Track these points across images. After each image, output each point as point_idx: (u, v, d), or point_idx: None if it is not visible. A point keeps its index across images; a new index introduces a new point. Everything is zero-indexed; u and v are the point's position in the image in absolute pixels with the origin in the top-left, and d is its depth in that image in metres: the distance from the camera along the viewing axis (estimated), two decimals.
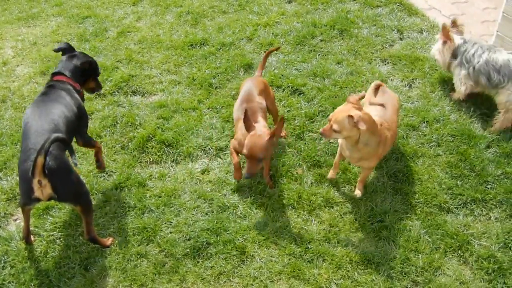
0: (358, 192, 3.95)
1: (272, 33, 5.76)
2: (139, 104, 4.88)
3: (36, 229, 3.73)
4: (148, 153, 4.37)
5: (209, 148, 4.38)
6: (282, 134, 4.44)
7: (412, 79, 5.09)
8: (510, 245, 3.63)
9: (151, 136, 4.47)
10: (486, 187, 4.02)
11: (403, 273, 3.46)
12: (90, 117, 4.49)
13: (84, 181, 4.02)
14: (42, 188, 3.13)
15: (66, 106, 3.58)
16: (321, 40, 5.64)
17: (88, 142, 3.88)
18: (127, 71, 5.26)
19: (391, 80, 5.08)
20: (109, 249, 3.60)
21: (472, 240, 3.66)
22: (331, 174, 4.06)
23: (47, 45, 5.76)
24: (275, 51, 4.22)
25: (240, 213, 3.85)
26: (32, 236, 3.65)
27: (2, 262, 3.55)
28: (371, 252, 3.57)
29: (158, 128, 4.55)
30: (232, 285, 3.43)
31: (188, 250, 3.60)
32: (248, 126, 3.64)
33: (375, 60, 5.35)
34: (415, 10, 6.11)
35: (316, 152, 4.31)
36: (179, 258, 3.56)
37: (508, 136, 4.40)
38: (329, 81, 5.03)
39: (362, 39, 5.63)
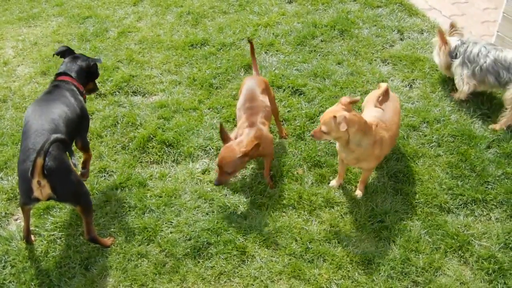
0: (358, 193, 3.96)
1: (273, 34, 5.76)
2: (139, 104, 4.88)
3: (37, 229, 3.73)
4: (148, 153, 4.37)
5: (209, 148, 4.38)
6: (283, 134, 4.45)
7: (413, 79, 5.09)
8: (510, 245, 3.63)
9: (151, 136, 4.47)
10: (486, 187, 4.02)
11: (403, 273, 3.46)
12: (91, 117, 4.49)
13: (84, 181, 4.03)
14: (41, 188, 3.14)
15: (68, 107, 3.58)
16: (321, 41, 5.64)
17: (86, 146, 3.88)
18: (127, 71, 5.26)
19: (392, 80, 5.08)
20: (109, 249, 3.60)
21: (472, 240, 3.66)
22: (334, 183, 4.05)
23: (47, 45, 5.77)
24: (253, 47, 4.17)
25: (241, 213, 3.85)
26: (32, 236, 3.65)
27: (2, 261, 3.55)
28: (372, 252, 3.57)
29: (159, 128, 4.55)
30: (233, 285, 3.43)
31: (189, 250, 3.60)
32: (224, 139, 3.73)
33: (375, 60, 5.36)
34: (415, 11, 6.11)
35: (317, 152, 4.31)
36: (179, 258, 3.56)
37: (509, 137, 4.40)
38: (330, 82, 5.03)
39: (362, 39, 5.64)
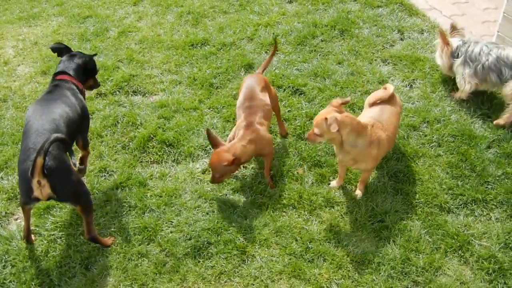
0: (358, 193, 3.96)
1: (273, 33, 5.76)
2: (140, 104, 4.89)
3: (37, 228, 3.74)
4: (149, 152, 4.37)
5: (210, 148, 4.37)
6: (283, 133, 4.45)
7: (413, 79, 5.09)
8: (510, 245, 3.63)
9: (152, 135, 4.47)
10: (486, 187, 4.02)
11: (403, 273, 3.46)
12: (91, 116, 4.50)
13: (85, 181, 4.04)
14: (41, 188, 3.14)
15: (70, 107, 3.58)
16: (321, 40, 5.64)
17: (86, 145, 3.89)
18: (128, 71, 5.26)
19: (392, 80, 5.08)
20: (110, 248, 3.61)
21: (472, 240, 3.66)
22: (334, 183, 4.05)
23: (48, 45, 5.75)
24: (277, 50, 4.29)
25: (241, 213, 3.85)
26: (33, 235, 3.65)
27: (3, 261, 3.55)
28: (372, 252, 3.57)
29: (159, 128, 4.56)
30: (233, 285, 3.43)
31: (189, 250, 3.60)
32: (213, 144, 3.80)
33: (375, 60, 5.36)
34: (415, 11, 6.11)
35: (317, 152, 4.31)
36: (180, 257, 3.57)
37: (509, 137, 4.40)
38: (330, 81, 5.03)
39: (362, 39, 5.64)
